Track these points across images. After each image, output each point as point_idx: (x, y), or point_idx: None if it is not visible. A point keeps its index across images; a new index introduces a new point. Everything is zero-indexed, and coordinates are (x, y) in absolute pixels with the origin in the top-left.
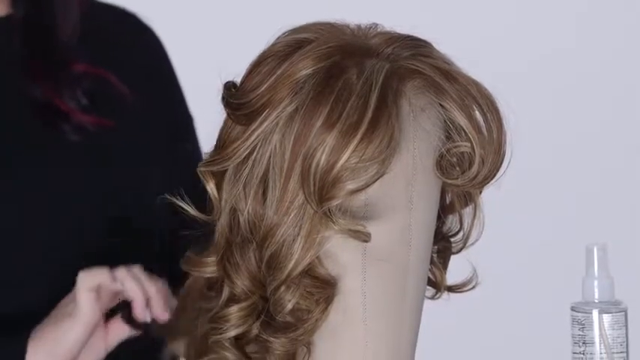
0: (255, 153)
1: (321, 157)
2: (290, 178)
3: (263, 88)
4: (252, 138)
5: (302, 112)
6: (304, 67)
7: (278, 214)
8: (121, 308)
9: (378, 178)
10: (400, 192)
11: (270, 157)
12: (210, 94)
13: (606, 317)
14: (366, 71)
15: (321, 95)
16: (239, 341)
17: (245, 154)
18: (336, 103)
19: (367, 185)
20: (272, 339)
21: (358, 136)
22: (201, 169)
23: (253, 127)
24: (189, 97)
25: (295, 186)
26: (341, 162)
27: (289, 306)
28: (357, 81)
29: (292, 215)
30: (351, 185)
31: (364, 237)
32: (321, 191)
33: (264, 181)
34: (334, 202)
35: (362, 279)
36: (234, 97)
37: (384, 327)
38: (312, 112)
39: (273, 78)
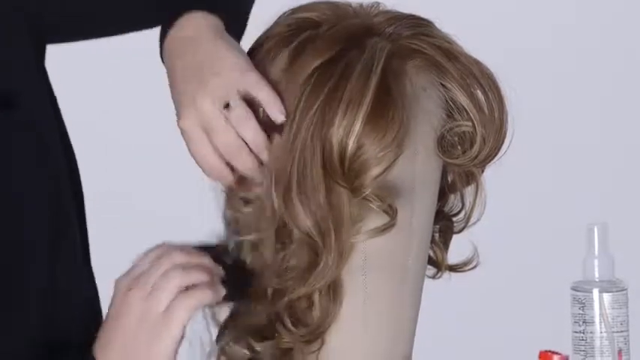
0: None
1: (344, 141)
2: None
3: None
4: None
5: (305, 98)
6: (310, 64)
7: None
8: None
9: (395, 159)
10: (401, 172)
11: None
12: None
13: (607, 296)
14: (366, 51)
15: (325, 80)
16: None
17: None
18: (338, 86)
19: (388, 167)
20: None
21: (360, 118)
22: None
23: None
24: None
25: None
26: (350, 146)
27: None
28: (358, 61)
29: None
30: (375, 170)
31: (393, 214)
32: (351, 179)
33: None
34: (365, 190)
35: (362, 258)
36: None
37: (384, 306)
38: (316, 99)
39: (282, 74)
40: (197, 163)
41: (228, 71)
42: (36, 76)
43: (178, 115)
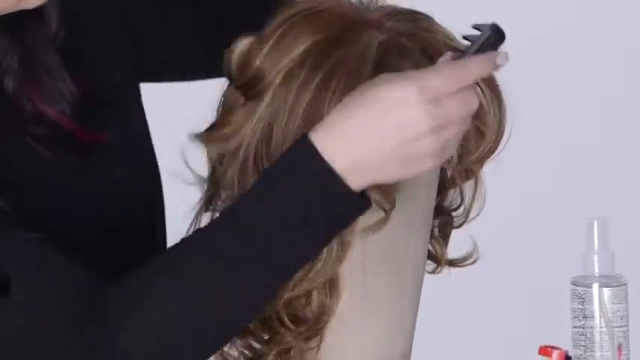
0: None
1: None
2: None
3: (268, 64)
4: (258, 115)
5: (298, 85)
6: (304, 41)
7: None
8: None
9: None
10: None
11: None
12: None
13: (606, 291)
14: (364, 45)
15: (319, 69)
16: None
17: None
18: (331, 76)
19: None
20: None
21: None
22: (205, 144)
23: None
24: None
25: None
26: None
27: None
28: (352, 54)
29: None
30: None
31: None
32: None
33: None
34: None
35: (362, 255)
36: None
37: (383, 303)
38: (308, 86)
39: (275, 51)
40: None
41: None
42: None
43: None
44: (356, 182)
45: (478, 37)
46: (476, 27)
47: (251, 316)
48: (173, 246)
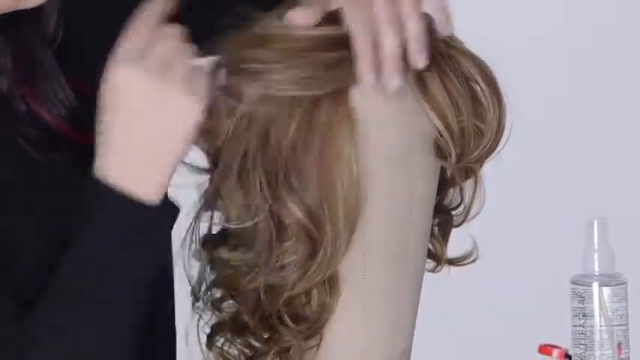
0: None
1: None
2: None
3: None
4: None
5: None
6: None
7: None
8: None
9: None
10: (398, 166)
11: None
12: None
13: (606, 290)
14: None
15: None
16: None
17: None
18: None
19: None
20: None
21: None
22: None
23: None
24: None
25: None
26: None
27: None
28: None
29: None
30: None
31: None
32: None
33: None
34: None
35: (362, 254)
36: None
37: (383, 301)
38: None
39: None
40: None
41: None
42: None
43: None
44: (139, 187)
45: None
46: None
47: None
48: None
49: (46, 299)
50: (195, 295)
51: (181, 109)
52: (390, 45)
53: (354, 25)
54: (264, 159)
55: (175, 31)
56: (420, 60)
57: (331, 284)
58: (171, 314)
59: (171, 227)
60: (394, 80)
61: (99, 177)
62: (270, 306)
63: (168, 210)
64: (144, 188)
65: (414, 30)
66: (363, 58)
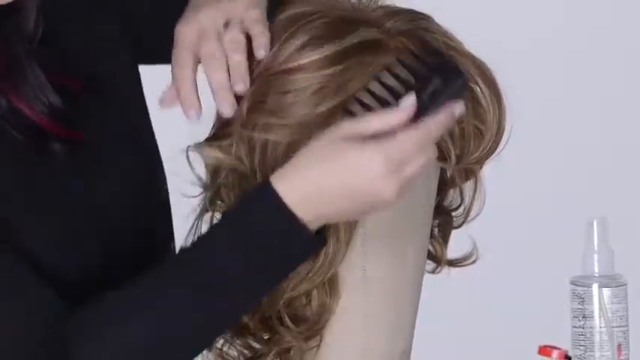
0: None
1: None
2: None
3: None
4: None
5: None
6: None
7: None
8: None
9: None
10: None
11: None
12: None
13: (606, 291)
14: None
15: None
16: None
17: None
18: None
19: None
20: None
21: None
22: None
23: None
24: None
25: None
26: None
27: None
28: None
29: None
30: None
31: None
32: None
33: None
34: None
35: (362, 254)
36: None
37: (383, 302)
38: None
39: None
40: (172, 65)
41: (241, 2)
42: (138, 86)
43: (179, 21)
44: (311, 223)
45: (442, 82)
46: (432, 67)
47: (203, 349)
48: (147, 275)
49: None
50: None
51: (380, 200)
52: (211, 78)
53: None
54: (263, 165)
55: (433, 151)
56: (238, 88)
57: (331, 285)
58: None
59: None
60: (225, 110)
61: (278, 191)
62: (270, 307)
63: (314, 244)
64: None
65: (233, 62)
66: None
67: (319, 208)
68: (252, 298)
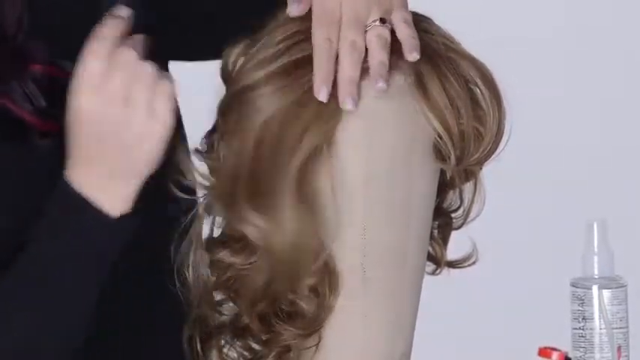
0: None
1: None
2: None
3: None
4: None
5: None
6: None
7: None
8: None
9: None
10: (398, 168)
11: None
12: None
13: (606, 293)
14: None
15: (306, 72)
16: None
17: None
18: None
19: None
20: (283, 330)
21: None
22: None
23: None
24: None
25: None
26: None
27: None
28: None
29: None
30: None
31: None
32: None
33: None
34: None
35: (362, 254)
36: None
37: (383, 303)
38: (293, 94)
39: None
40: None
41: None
42: None
43: None
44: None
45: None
46: None
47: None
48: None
49: None
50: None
51: (145, 134)
52: (346, 70)
53: (316, 43)
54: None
55: (133, 54)
56: (378, 87)
57: (331, 284)
58: (173, 315)
59: (124, 238)
60: (347, 104)
61: (67, 178)
62: (269, 305)
63: (126, 221)
64: (108, 202)
65: (378, 57)
66: (316, 72)
67: (93, 170)
68: (80, 286)
